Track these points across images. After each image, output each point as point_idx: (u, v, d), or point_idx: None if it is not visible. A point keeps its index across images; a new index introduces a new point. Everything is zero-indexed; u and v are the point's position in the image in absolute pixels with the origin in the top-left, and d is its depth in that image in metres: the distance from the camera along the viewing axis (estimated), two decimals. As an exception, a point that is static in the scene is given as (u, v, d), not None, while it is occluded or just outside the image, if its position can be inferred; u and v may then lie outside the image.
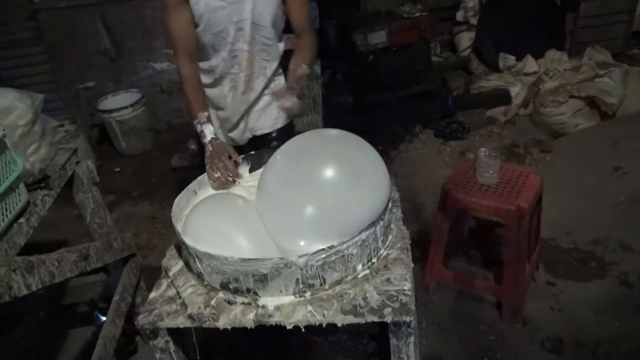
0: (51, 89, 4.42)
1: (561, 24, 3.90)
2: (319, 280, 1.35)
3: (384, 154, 3.50)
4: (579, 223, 2.63)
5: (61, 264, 1.49)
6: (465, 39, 4.25)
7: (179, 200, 1.64)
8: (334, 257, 1.33)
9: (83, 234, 2.22)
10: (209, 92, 1.88)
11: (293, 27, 1.85)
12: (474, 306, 2.21)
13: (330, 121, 3.58)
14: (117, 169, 3.89)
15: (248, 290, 1.36)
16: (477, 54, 3.98)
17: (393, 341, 1.37)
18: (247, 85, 1.83)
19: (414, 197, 3.02)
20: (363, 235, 1.37)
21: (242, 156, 1.85)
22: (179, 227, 1.50)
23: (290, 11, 1.79)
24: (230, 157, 1.71)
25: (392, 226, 1.59)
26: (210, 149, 1.69)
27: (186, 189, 1.70)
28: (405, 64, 3.46)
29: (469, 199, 1.97)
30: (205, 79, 1.85)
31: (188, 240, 1.41)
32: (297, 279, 1.32)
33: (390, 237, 1.54)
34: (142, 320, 1.36)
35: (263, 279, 1.32)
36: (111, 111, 3.84)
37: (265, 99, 1.93)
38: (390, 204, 1.54)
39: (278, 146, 1.92)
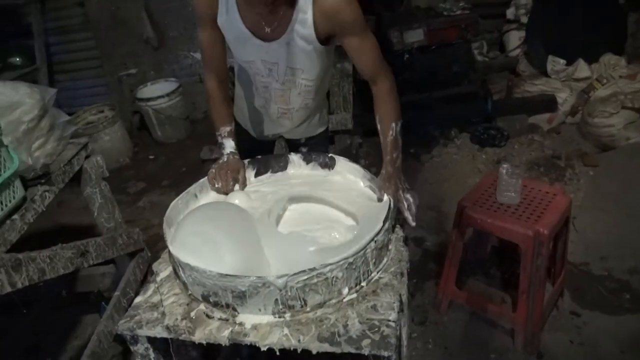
0: (97, 75, 4.58)
1: (622, 26, 3.58)
2: (299, 302, 1.28)
3: (415, 158, 3.40)
4: (616, 248, 2.41)
5: (54, 261, 1.51)
6: (514, 39, 4.00)
7: (176, 202, 1.62)
8: (315, 280, 1.26)
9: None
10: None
11: (362, 74, 1.54)
12: (487, 331, 2.07)
13: (361, 120, 3.49)
14: (151, 157, 3.97)
15: (227, 306, 1.31)
16: (526, 55, 3.74)
17: (378, 374, 1.29)
18: (281, 114, 1.75)
19: (441, 206, 2.88)
20: (350, 259, 1.30)
21: (247, 160, 1.82)
22: (169, 232, 1.48)
23: (355, 58, 1.50)
24: (237, 176, 1.67)
25: (390, 247, 1.51)
26: (225, 160, 1.66)
27: (186, 191, 1.67)
28: (442, 64, 3.30)
29: (485, 219, 1.84)
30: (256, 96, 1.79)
31: (175, 248, 1.38)
32: (277, 299, 1.26)
33: (385, 260, 1.45)
34: (122, 325, 1.35)
35: (241, 296, 1.27)
36: (148, 99, 3.92)
37: (300, 122, 1.83)
38: (387, 225, 1.45)
39: (307, 151, 1.89)
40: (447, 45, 3.30)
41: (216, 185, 1.67)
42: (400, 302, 1.34)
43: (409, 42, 3.21)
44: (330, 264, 1.26)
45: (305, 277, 1.24)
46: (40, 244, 1.58)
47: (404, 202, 1.53)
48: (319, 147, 1.93)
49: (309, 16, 1.41)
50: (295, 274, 1.23)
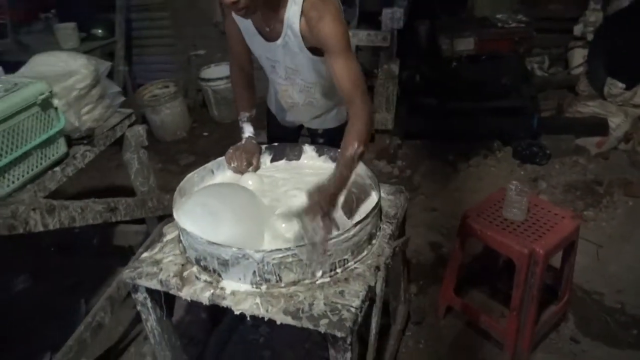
0: (170, 52, 4.92)
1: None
2: (274, 277, 1.42)
3: (452, 165, 3.41)
4: (636, 283, 2.34)
5: (84, 211, 1.74)
6: (578, 56, 3.86)
7: (192, 175, 1.80)
8: (290, 259, 1.39)
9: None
10: None
11: (339, 91, 1.52)
12: (479, 341, 2.11)
13: (403, 121, 3.54)
14: (205, 134, 4.25)
15: (214, 271, 1.48)
16: (587, 75, 3.61)
17: (331, 352, 1.40)
18: (290, 107, 1.88)
19: (465, 215, 2.90)
20: (327, 246, 1.42)
21: (265, 146, 1.97)
22: (179, 200, 1.66)
23: (332, 71, 1.49)
24: (251, 159, 1.81)
25: (373, 242, 1.61)
26: (242, 142, 1.83)
27: (203, 167, 1.86)
28: (491, 75, 3.26)
29: (485, 231, 1.87)
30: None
31: (178, 214, 1.56)
32: (254, 271, 1.41)
33: (365, 253, 1.56)
34: (125, 274, 1.55)
35: (225, 264, 1.43)
36: (209, 80, 4.18)
37: (322, 111, 1.93)
38: (374, 220, 1.55)
39: (324, 143, 2.00)
40: (497, 57, 3.26)
41: (232, 165, 1.84)
42: (369, 292, 1.44)
43: (459, 50, 3.22)
44: (302, 246, 1.39)
45: (281, 255, 1.38)
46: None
47: (312, 224, 1.36)
48: (336, 140, 2.02)
49: (296, 26, 1.49)
50: (271, 250, 1.37)
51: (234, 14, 1.60)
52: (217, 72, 4.24)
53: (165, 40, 4.89)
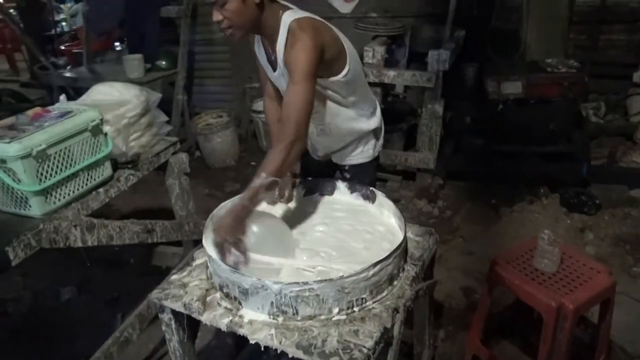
0: (227, 84, 5.17)
1: None
2: (292, 310, 1.45)
3: (494, 208, 3.33)
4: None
5: (122, 231, 1.86)
6: (637, 104, 3.71)
7: (225, 203, 1.87)
8: (307, 293, 1.42)
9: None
10: None
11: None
12: (505, 396, 2.02)
13: (447, 161, 3.52)
14: (253, 163, 4.39)
15: (235, 298, 1.53)
16: (647, 124, 3.46)
17: (340, 390, 1.40)
18: (310, 136, 1.90)
19: (504, 262, 2.81)
20: (344, 283, 1.44)
21: (299, 180, 2.03)
22: (210, 226, 1.73)
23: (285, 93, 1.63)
24: (284, 192, 1.84)
25: (395, 283, 1.60)
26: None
27: (238, 196, 1.93)
28: (539, 119, 3.20)
29: (512, 280, 1.82)
30: None
31: (207, 240, 1.64)
32: (272, 302, 1.44)
33: (385, 293, 1.55)
34: (153, 294, 1.62)
35: (245, 292, 1.47)
36: (259, 112, 4.34)
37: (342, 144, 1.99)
38: (396, 261, 1.55)
39: (350, 179, 2.05)
40: (546, 102, 3.20)
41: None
42: (384, 334, 1.44)
43: (505, 93, 3.19)
44: (320, 282, 1.41)
45: (298, 289, 1.41)
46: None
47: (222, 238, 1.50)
48: (363, 177, 2.05)
49: (281, 54, 1.59)
50: (288, 283, 1.41)
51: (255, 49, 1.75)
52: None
53: (224, 73, 5.14)
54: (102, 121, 1.74)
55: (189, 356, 1.74)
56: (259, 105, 4.49)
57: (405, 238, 1.64)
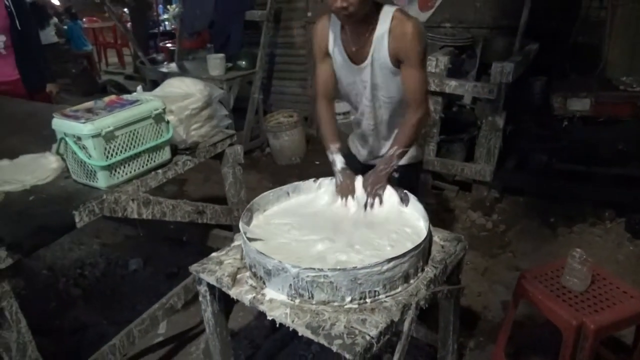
0: (301, 85, 5.40)
1: None
2: (307, 293, 1.57)
3: (552, 227, 3.22)
4: None
5: (175, 209, 2.09)
6: None
7: (267, 194, 2.04)
8: (322, 279, 1.54)
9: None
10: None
11: (405, 95, 1.88)
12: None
13: (506, 175, 3.46)
14: (317, 162, 4.56)
15: (260, 278, 1.69)
16: None
17: (345, 374, 1.50)
18: (373, 131, 2.09)
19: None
20: (358, 274, 1.54)
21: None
22: (247, 213, 1.90)
23: (403, 79, 1.84)
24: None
25: (411, 282, 1.67)
26: (341, 178, 2.01)
27: (279, 188, 2.09)
28: (607, 139, 3.04)
29: (537, 295, 1.81)
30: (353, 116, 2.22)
31: (246, 224, 1.82)
32: (291, 285, 1.58)
33: (399, 289, 1.63)
34: (193, 267, 1.83)
35: (269, 273, 1.63)
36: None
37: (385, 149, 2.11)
38: (412, 260, 1.62)
39: (398, 179, 2.14)
40: (615, 121, 3.04)
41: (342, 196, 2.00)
42: (390, 327, 1.51)
43: (572, 110, 3.07)
44: (334, 270, 1.53)
45: (313, 274, 1.53)
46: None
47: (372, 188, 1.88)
48: (404, 179, 2.14)
49: (385, 42, 1.77)
50: (305, 268, 1.53)
51: (330, 50, 1.95)
52: (337, 108, 4.53)
53: (300, 75, 5.38)
54: (164, 110, 1.97)
55: (221, 327, 1.91)
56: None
57: (425, 241, 1.70)
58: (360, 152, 2.27)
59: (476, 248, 3.11)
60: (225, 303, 1.88)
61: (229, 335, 1.98)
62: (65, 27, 8.42)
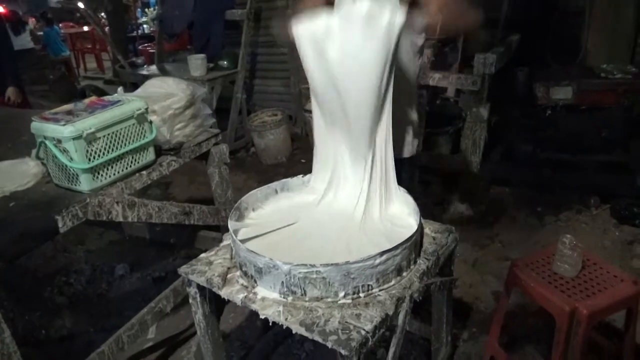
0: (284, 84, 5.37)
1: None
2: (300, 290, 1.55)
3: (538, 217, 3.24)
4: None
5: (161, 211, 2.05)
6: None
7: (255, 192, 2.01)
8: (315, 275, 1.51)
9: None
10: None
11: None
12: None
13: (492, 166, 3.47)
14: (303, 161, 4.54)
15: (251, 277, 1.65)
16: None
17: (339, 370, 1.48)
18: None
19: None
20: (350, 268, 1.52)
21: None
22: (235, 211, 1.87)
23: None
24: None
25: (404, 274, 1.66)
26: None
27: (267, 185, 2.06)
28: (590, 127, 3.08)
29: (528, 282, 1.81)
30: None
31: (233, 222, 1.78)
32: (283, 282, 1.55)
33: (392, 282, 1.61)
34: (182, 269, 1.79)
35: (260, 271, 1.59)
36: (311, 112, 4.46)
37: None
38: (405, 253, 1.61)
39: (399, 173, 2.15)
40: (598, 109, 3.07)
41: None
42: (385, 320, 1.50)
43: (555, 99, 3.10)
44: (326, 265, 1.50)
45: (306, 270, 1.51)
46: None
47: None
48: (404, 172, 2.12)
49: None
50: (297, 264, 1.51)
51: None
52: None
53: (283, 74, 5.34)
54: (147, 110, 1.93)
55: (212, 329, 1.88)
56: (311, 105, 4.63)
57: (417, 233, 1.68)
58: None
59: (465, 240, 3.12)
60: (216, 304, 1.85)
61: (220, 337, 1.95)
62: (42, 33, 8.27)
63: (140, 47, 8.05)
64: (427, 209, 3.39)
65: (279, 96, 5.45)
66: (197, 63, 4.46)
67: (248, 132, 4.85)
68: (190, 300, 1.83)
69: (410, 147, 2.15)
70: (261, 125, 4.50)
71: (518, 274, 1.86)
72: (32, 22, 8.59)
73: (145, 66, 5.86)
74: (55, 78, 7.21)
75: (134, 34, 9.25)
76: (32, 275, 3.06)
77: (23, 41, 6.98)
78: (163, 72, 4.90)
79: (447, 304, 2.05)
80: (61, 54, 8.36)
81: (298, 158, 4.64)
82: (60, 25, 9.69)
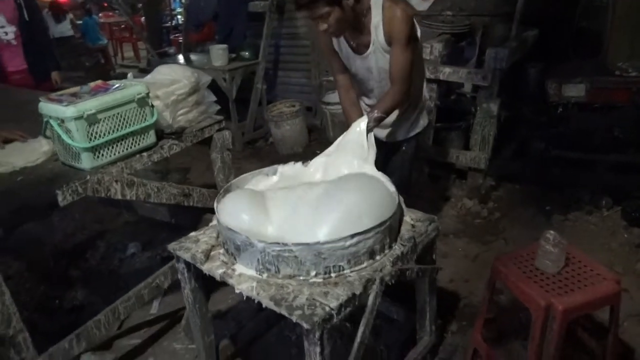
0: (306, 76, 5.44)
1: None
2: (274, 268, 1.62)
3: (546, 215, 3.20)
4: None
5: (160, 191, 2.15)
6: None
7: (247, 175, 2.09)
8: (287, 254, 1.58)
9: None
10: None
11: (390, 72, 2.07)
12: (500, 393, 2.01)
13: (501, 162, 3.44)
14: (318, 152, 4.57)
15: (231, 254, 1.74)
16: None
17: (305, 344, 1.55)
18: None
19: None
20: (321, 248, 1.57)
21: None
22: (224, 193, 1.95)
23: (390, 57, 2.03)
24: None
25: (377, 258, 1.70)
26: None
27: (259, 170, 2.15)
28: (603, 126, 3.00)
29: (509, 276, 1.82)
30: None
31: (221, 203, 1.86)
32: (258, 259, 1.63)
33: (364, 265, 1.66)
34: (171, 245, 1.89)
35: (238, 249, 1.68)
36: (329, 104, 4.53)
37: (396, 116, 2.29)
38: (378, 236, 1.65)
39: (406, 151, 2.45)
40: (611, 107, 3.00)
41: None
42: (352, 299, 1.55)
43: (567, 96, 3.04)
44: (298, 245, 1.57)
45: (279, 249, 1.58)
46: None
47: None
48: (411, 145, 2.45)
49: (380, 29, 1.98)
50: (270, 243, 1.58)
51: (335, 46, 2.18)
52: (337, 98, 4.57)
53: (304, 65, 5.41)
54: (147, 95, 2.03)
55: (200, 304, 1.97)
56: (329, 97, 4.68)
57: (392, 218, 1.72)
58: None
59: (469, 235, 3.12)
60: (203, 281, 1.94)
61: (208, 312, 2.05)
62: (80, 22, 8.61)
63: (172, 37, 8.27)
64: (435, 204, 3.41)
65: (300, 88, 5.52)
66: (218, 53, 4.58)
67: (266, 122, 4.95)
68: (179, 276, 1.93)
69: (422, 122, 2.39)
70: (278, 115, 4.58)
71: (500, 268, 1.87)
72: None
73: (174, 56, 6.05)
74: (90, 65, 7.51)
75: (169, 24, 9.50)
76: (52, 250, 3.26)
77: (63, 29, 7.32)
78: (187, 62, 5.04)
79: (430, 293, 2.08)
80: (98, 42, 8.68)
81: (314, 149, 4.69)
82: (100, 15, 10.06)
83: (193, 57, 5.21)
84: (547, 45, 3.59)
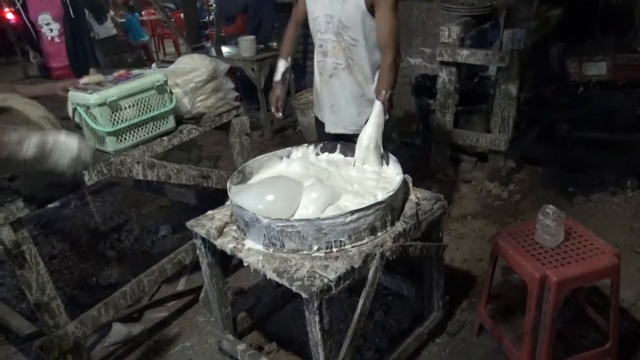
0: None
1: None
2: (279, 243, 1.74)
3: (569, 196, 3.15)
4: None
5: (180, 173, 2.30)
6: None
7: (262, 157, 2.22)
8: (290, 229, 1.69)
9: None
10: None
11: (378, 42, 2.08)
12: (505, 365, 2.05)
13: (522, 144, 3.42)
14: (343, 139, 4.65)
15: (242, 230, 1.87)
16: None
17: (306, 312, 1.66)
18: (333, 71, 2.23)
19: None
20: (322, 224, 1.67)
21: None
22: (238, 174, 2.08)
23: (376, 26, 2.04)
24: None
25: (378, 234, 1.79)
26: (275, 90, 2.59)
27: (273, 152, 2.26)
28: (625, 104, 2.93)
29: (507, 250, 1.86)
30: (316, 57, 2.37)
31: (237, 186, 1.99)
32: (264, 235, 1.75)
33: (365, 240, 1.75)
34: (189, 222, 2.03)
35: (247, 225, 1.80)
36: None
37: (347, 97, 2.28)
38: (379, 213, 1.73)
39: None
40: (634, 85, 2.92)
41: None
42: (351, 272, 1.64)
43: (588, 75, 2.98)
44: (300, 220, 1.67)
45: (282, 224, 1.69)
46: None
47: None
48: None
49: None
50: (274, 219, 1.69)
51: None
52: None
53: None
54: (166, 82, 2.18)
55: (217, 278, 2.11)
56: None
57: (394, 196, 1.80)
58: (326, 117, 2.51)
59: (487, 216, 3.13)
60: (222, 257, 2.07)
61: (225, 286, 2.19)
62: (123, 20, 8.95)
63: (207, 32, 8.49)
64: (455, 187, 3.44)
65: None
66: (246, 44, 4.71)
67: (294, 110, 5.05)
68: (197, 252, 2.08)
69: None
70: (305, 104, 4.68)
71: (500, 242, 1.91)
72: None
73: (208, 49, 6.24)
74: (132, 61, 7.82)
75: (207, 19, 9.73)
76: (92, 232, 3.50)
77: (106, 29, 7.64)
78: (218, 54, 5.20)
79: (437, 270, 2.14)
80: (140, 39, 9.00)
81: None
82: (143, 12, 10.40)
83: (224, 49, 5.37)
84: (573, 24, 3.51)
